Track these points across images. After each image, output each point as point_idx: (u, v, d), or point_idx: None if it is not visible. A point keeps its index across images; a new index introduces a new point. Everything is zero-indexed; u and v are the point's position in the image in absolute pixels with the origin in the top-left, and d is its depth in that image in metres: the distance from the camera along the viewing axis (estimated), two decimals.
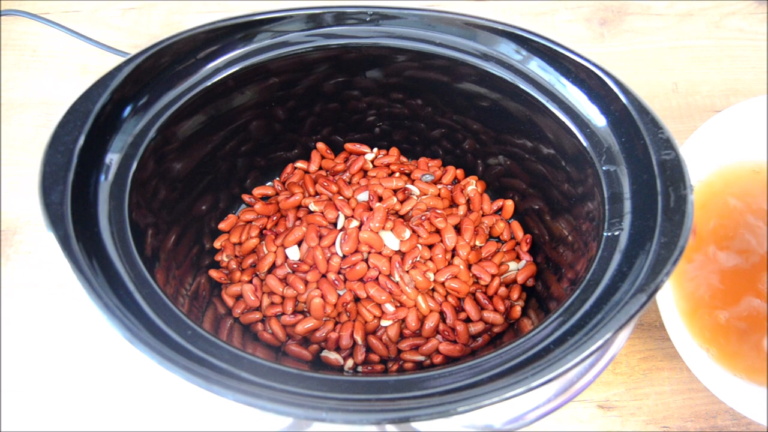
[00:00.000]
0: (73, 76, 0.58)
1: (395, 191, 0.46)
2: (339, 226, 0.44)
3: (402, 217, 0.45)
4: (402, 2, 0.41)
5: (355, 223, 0.42)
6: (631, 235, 0.32)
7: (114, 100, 0.33)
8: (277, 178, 0.49)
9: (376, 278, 0.41)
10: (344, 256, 0.42)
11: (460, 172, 0.49)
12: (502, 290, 0.43)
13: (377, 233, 0.42)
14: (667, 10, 0.63)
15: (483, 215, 0.47)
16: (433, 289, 0.43)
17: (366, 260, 0.42)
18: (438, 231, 0.43)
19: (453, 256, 0.43)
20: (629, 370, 0.45)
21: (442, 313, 0.42)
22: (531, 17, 0.63)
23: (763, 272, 0.43)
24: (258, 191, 0.47)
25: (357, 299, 0.42)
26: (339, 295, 0.41)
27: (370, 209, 0.43)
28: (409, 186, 0.46)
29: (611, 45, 0.61)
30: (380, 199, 0.44)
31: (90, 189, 0.32)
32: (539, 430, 0.43)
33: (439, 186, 0.48)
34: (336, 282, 0.41)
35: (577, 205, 0.38)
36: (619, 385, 0.45)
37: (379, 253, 0.42)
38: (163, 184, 0.38)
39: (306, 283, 0.42)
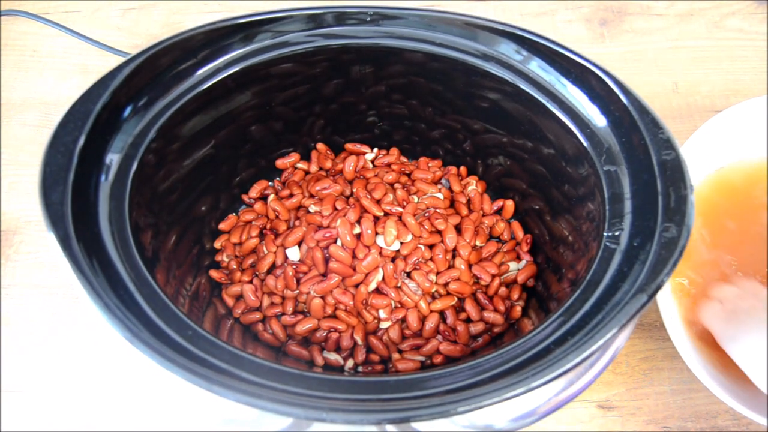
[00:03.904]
0: (73, 76, 0.58)
1: (394, 189, 0.46)
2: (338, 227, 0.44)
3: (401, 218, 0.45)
4: (402, 2, 0.41)
5: (357, 230, 0.42)
6: (631, 236, 0.32)
7: (114, 100, 0.33)
8: (278, 178, 0.49)
9: (376, 288, 0.42)
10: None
11: (463, 170, 0.49)
12: (503, 290, 0.43)
13: (374, 238, 0.42)
14: (667, 10, 0.63)
15: (483, 215, 0.47)
16: (435, 290, 0.43)
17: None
18: (438, 231, 0.43)
19: (454, 256, 0.43)
20: (629, 370, 0.45)
21: (442, 314, 0.42)
22: (531, 17, 0.63)
23: (764, 271, 0.43)
24: (258, 191, 0.47)
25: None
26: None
27: (377, 216, 0.43)
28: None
29: (611, 45, 0.61)
30: (378, 201, 0.44)
31: (90, 189, 0.32)
32: (539, 430, 0.43)
33: (439, 185, 0.48)
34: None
35: (578, 205, 0.38)
36: (620, 385, 0.45)
37: (380, 253, 0.42)
38: (163, 185, 0.38)
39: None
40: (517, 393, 0.27)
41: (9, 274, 0.49)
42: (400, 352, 0.41)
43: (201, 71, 0.37)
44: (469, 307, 0.42)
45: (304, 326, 0.41)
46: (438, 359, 0.40)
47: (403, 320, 0.41)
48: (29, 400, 0.44)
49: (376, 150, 0.49)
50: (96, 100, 0.32)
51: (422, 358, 0.40)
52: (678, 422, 0.44)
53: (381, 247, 0.42)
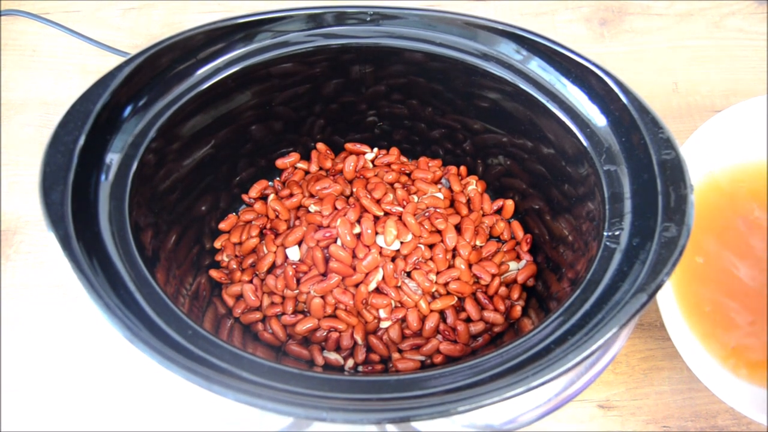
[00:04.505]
0: (73, 76, 0.58)
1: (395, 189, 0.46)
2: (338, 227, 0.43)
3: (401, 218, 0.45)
4: (402, 2, 0.41)
5: (357, 230, 0.42)
6: (631, 235, 0.32)
7: (114, 100, 0.33)
8: (278, 178, 0.49)
9: (377, 288, 0.42)
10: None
11: (463, 169, 0.49)
12: (503, 290, 0.43)
13: (375, 238, 0.42)
14: (667, 10, 0.63)
15: (483, 215, 0.47)
16: (435, 290, 0.43)
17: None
18: (438, 231, 0.43)
19: (454, 256, 0.43)
20: (629, 369, 0.45)
21: (442, 313, 0.42)
22: (531, 17, 0.63)
23: (763, 271, 0.43)
24: (258, 191, 0.47)
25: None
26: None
27: (377, 216, 0.43)
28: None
29: (611, 45, 0.61)
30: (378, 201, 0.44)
31: (90, 189, 0.32)
32: (539, 430, 0.43)
33: (439, 185, 0.48)
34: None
35: (578, 204, 0.38)
36: (619, 384, 0.45)
37: (380, 253, 0.42)
38: (163, 184, 0.38)
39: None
40: (517, 392, 0.27)
41: (9, 274, 0.49)
42: (400, 351, 0.41)
43: (201, 71, 0.37)
44: (469, 306, 0.42)
45: (304, 326, 0.41)
46: (438, 359, 0.40)
47: (403, 320, 0.41)
48: (29, 400, 0.44)
49: (376, 150, 0.49)
50: (96, 99, 0.32)
51: (422, 358, 0.40)
52: (678, 422, 0.44)
53: (381, 247, 0.42)
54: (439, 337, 0.41)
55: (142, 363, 0.28)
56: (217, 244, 0.45)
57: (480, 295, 0.43)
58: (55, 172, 0.30)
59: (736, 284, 0.43)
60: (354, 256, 0.42)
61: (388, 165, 0.48)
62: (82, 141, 0.31)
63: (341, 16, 0.39)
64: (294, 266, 0.43)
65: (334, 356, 0.41)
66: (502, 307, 0.42)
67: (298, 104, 0.44)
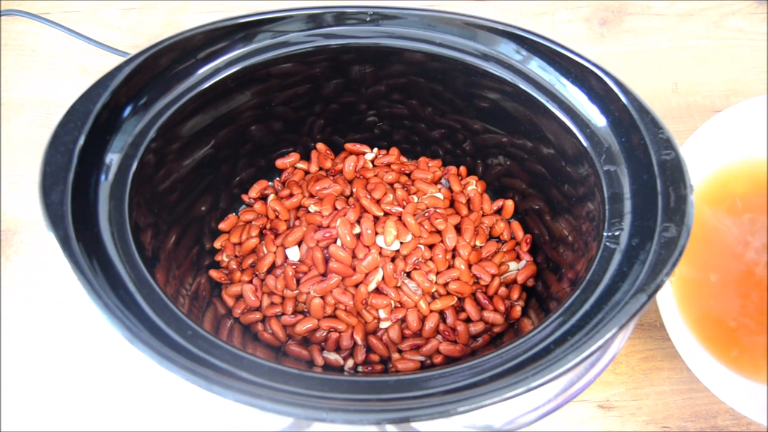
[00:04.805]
0: (73, 76, 0.58)
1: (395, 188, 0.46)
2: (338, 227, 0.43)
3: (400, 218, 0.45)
4: (402, 2, 0.41)
5: (357, 230, 0.42)
6: (631, 235, 0.32)
7: (114, 100, 0.33)
8: (278, 178, 0.49)
9: (377, 288, 0.42)
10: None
11: (463, 169, 0.49)
12: (503, 290, 0.43)
13: (375, 238, 0.42)
14: (667, 10, 0.63)
15: (483, 215, 0.47)
16: (435, 290, 0.43)
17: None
18: (438, 231, 0.43)
19: (453, 256, 0.43)
20: (629, 370, 0.45)
21: (442, 313, 0.42)
22: (531, 17, 0.63)
23: (764, 270, 0.43)
24: (258, 191, 0.47)
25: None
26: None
27: (376, 216, 0.43)
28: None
29: (611, 45, 0.61)
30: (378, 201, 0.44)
31: (90, 189, 0.32)
32: (539, 430, 0.43)
33: (439, 185, 0.48)
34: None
35: (578, 205, 0.38)
36: (619, 385, 0.45)
37: (380, 253, 0.42)
38: (163, 184, 0.38)
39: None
40: (517, 393, 0.27)
41: (9, 274, 0.49)
42: (399, 352, 0.41)
43: (201, 71, 0.37)
44: (469, 307, 0.42)
45: (303, 326, 0.41)
46: (438, 359, 0.40)
47: (403, 320, 0.41)
48: (29, 400, 0.44)
49: (375, 150, 0.49)
50: (96, 99, 0.32)
51: (422, 358, 0.40)
52: (678, 422, 0.44)
53: (381, 247, 0.42)
54: (439, 337, 0.41)
55: (142, 363, 0.28)
56: (217, 245, 0.45)
57: (480, 296, 0.43)
58: (55, 172, 0.30)
59: (736, 282, 0.43)
60: (354, 256, 0.42)
61: (388, 165, 0.48)
62: (82, 141, 0.31)
63: (341, 16, 0.39)
64: (294, 266, 0.43)
65: (333, 356, 0.41)
66: (501, 308, 0.42)
67: (298, 104, 0.44)
